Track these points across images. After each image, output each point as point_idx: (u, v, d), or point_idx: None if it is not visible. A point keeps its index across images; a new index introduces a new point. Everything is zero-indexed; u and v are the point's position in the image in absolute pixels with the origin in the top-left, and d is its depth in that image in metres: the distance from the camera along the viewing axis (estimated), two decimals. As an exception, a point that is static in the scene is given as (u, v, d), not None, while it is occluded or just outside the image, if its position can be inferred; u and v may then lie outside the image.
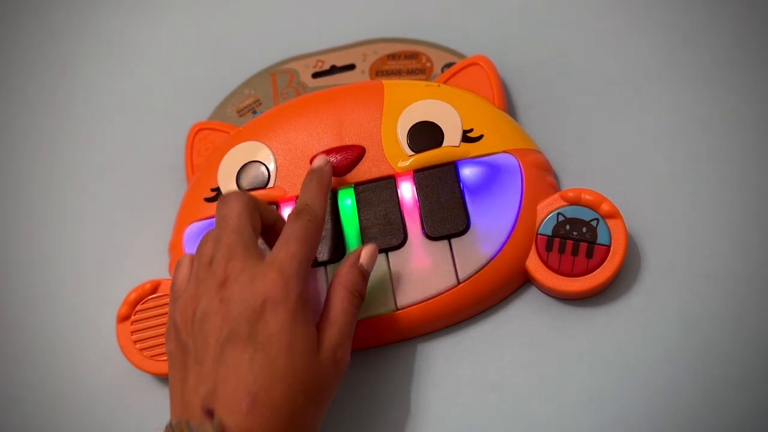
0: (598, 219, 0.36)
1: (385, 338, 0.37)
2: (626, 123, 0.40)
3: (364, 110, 0.39)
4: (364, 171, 0.38)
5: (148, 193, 0.44)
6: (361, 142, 0.39)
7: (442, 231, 0.36)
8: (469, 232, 0.36)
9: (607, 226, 0.35)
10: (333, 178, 0.38)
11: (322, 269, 0.37)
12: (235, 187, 0.39)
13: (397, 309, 0.36)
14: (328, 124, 0.39)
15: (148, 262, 0.41)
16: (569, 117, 0.41)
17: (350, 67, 0.44)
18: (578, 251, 0.35)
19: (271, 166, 0.39)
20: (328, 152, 0.39)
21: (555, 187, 0.38)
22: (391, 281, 0.36)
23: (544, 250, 0.36)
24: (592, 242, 0.35)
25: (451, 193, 0.37)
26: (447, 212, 0.37)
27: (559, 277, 0.35)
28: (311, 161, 0.39)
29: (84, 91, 0.48)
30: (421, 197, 0.37)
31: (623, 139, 0.39)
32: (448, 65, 0.43)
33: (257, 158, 0.40)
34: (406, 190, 0.38)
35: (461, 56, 0.43)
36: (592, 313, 0.36)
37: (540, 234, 0.36)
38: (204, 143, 0.43)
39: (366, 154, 0.38)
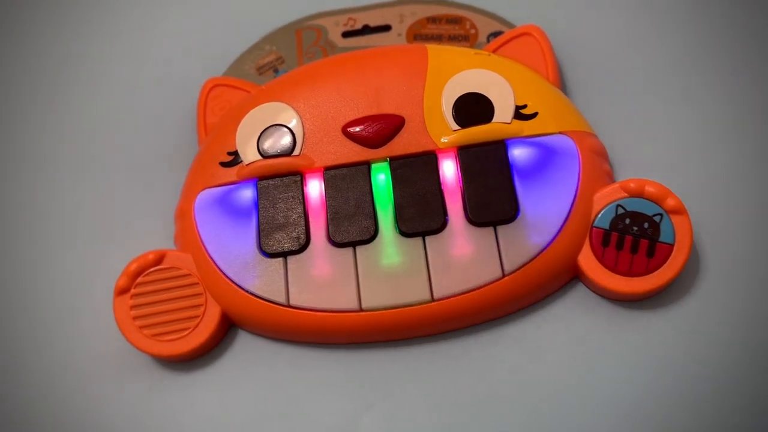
0: (662, 214, 0.32)
1: (416, 331, 0.33)
2: (689, 110, 0.36)
3: (405, 76, 0.35)
4: (402, 144, 0.34)
5: (154, 155, 0.39)
6: (400, 111, 0.35)
7: (488, 216, 0.33)
8: (517, 219, 0.33)
9: (672, 223, 0.32)
10: (367, 149, 0.34)
11: (349, 251, 0.33)
12: (255, 152, 0.35)
13: (433, 300, 0.32)
14: (363, 88, 0.35)
15: (153, 231, 0.37)
16: (624, 99, 0.37)
17: (385, 28, 0.40)
18: (638, 248, 0.32)
19: (298, 132, 0.35)
20: (362, 121, 0.35)
21: (611, 176, 0.35)
22: (428, 269, 0.32)
23: (599, 244, 0.33)
24: (654, 239, 0.32)
25: (499, 175, 0.33)
26: (494, 196, 0.33)
27: (615, 275, 0.32)
28: (344, 129, 0.35)
29: (84, 38, 0.43)
30: (466, 177, 0.33)
31: (685, 128, 0.36)
32: (495, 34, 0.39)
33: (281, 121, 0.35)
34: (449, 169, 0.34)
35: (509, 25, 0.39)
36: (644, 315, 0.33)
37: (596, 227, 0.33)
38: (219, 101, 0.38)
39: (405, 126, 0.34)
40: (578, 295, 0.34)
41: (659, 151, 0.35)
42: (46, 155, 0.40)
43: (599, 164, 0.34)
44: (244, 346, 0.35)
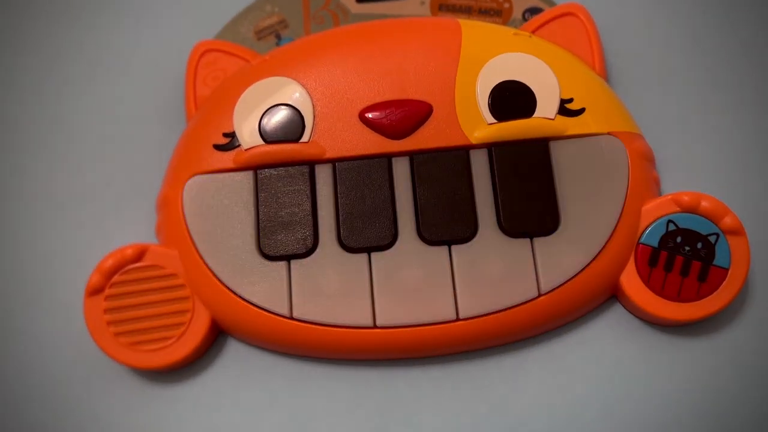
0: (718, 234, 0.29)
1: (438, 350, 0.29)
2: (749, 115, 0.32)
3: (435, 55, 0.30)
4: (428, 136, 0.30)
5: (133, 130, 0.33)
6: (428, 97, 0.30)
7: (525, 226, 0.29)
8: (557, 231, 0.29)
9: (728, 245, 0.29)
10: (387, 140, 0.30)
11: (363, 257, 0.29)
12: (257, 135, 0.30)
13: (459, 319, 0.28)
14: (385, 67, 0.30)
15: (131, 220, 0.32)
16: (672, 96, 0.33)
17: (406, -6, 0.35)
18: (688, 271, 0.29)
19: (307, 114, 0.30)
20: (383, 106, 0.30)
21: (658, 184, 0.31)
22: (454, 284, 0.28)
23: (645, 264, 0.29)
24: (707, 262, 0.29)
25: (539, 179, 0.29)
26: (532, 203, 0.29)
27: (661, 299, 0.29)
28: (361, 114, 0.30)
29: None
30: (501, 180, 0.29)
31: (743, 135, 0.32)
32: (531, 11, 0.34)
33: (288, 101, 0.30)
34: (481, 168, 0.29)
35: (548, 1, 0.35)
36: (687, 343, 0.29)
37: (643, 243, 0.29)
38: (212, 70, 0.33)
39: (432, 115, 0.30)
40: (615, 315, 0.30)
41: (705, 156, 0.32)
42: (10, 125, 0.34)
43: (648, 171, 0.30)
44: (236, 356, 0.30)
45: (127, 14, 0.36)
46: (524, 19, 0.34)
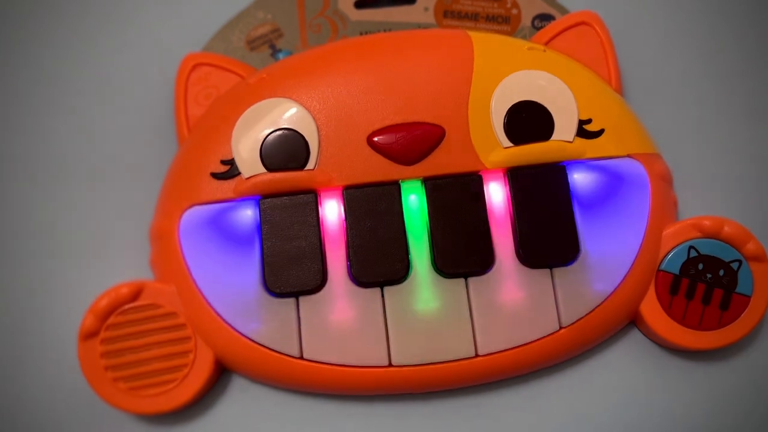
0: (740, 261, 0.28)
1: (456, 386, 0.28)
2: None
3: (446, 74, 0.29)
4: (441, 161, 0.28)
5: (121, 152, 0.31)
6: (440, 119, 0.28)
7: (544, 256, 0.28)
8: (578, 260, 0.28)
9: (751, 272, 0.28)
10: (397, 166, 0.28)
11: (376, 292, 0.27)
12: (258, 163, 0.28)
13: (478, 355, 0.27)
14: (394, 88, 0.28)
15: (123, 251, 0.30)
16: (687, 109, 0.32)
17: (408, -1, 0.33)
18: (710, 299, 0.28)
19: (312, 139, 0.28)
20: (393, 130, 0.28)
21: (677, 205, 0.30)
22: (472, 318, 0.27)
23: (666, 291, 0.28)
24: (730, 290, 0.28)
25: (558, 206, 0.28)
26: (551, 230, 0.28)
27: (683, 328, 0.28)
28: (369, 139, 0.28)
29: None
30: (518, 206, 0.28)
31: (762, 149, 0.31)
32: (541, 18, 0.33)
33: (291, 125, 0.28)
34: (497, 194, 0.28)
35: (559, 8, 0.33)
36: (707, 369, 0.29)
37: (663, 270, 0.28)
38: (203, 86, 0.31)
39: (445, 138, 0.28)
40: (632, 341, 0.30)
41: (729, 176, 0.31)
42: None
43: (668, 193, 0.29)
44: (241, 392, 0.29)
45: (108, 20, 0.33)
46: (534, 27, 0.32)
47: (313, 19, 0.32)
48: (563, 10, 0.32)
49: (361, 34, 0.32)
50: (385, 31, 0.32)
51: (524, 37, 0.32)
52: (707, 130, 0.32)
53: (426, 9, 0.32)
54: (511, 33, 0.32)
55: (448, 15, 0.33)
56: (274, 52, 0.32)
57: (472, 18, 0.32)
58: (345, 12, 0.32)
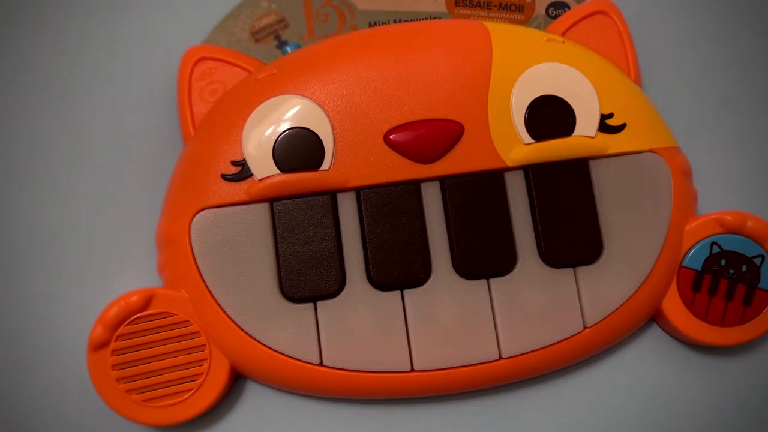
0: (763, 256, 0.28)
1: (480, 387, 0.27)
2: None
3: (464, 68, 0.28)
4: (460, 159, 0.27)
5: (122, 151, 0.30)
6: (459, 115, 0.27)
7: (568, 256, 0.27)
8: (601, 259, 0.27)
9: (773, 266, 0.28)
10: (415, 164, 0.27)
11: (396, 296, 0.27)
12: (271, 164, 0.27)
13: (502, 358, 0.27)
14: (410, 83, 0.27)
15: (133, 259, 0.28)
16: (704, 99, 0.31)
17: (418, -13, 0.32)
18: (733, 295, 0.28)
19: (326, 138, 0.27)
20: (411, 127, 0.27)
21: (696, 198, 0.30)
22: (495, 320, 0.27)
23: (689, 288, 0.28)
24: (753, 285, 0.28)
25: (580, 202, 0.27)
26: (574, 229, 0.27)
27: (706, 325, 0.28)
28: (386, 137, 0.27)
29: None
30: (540, 204, 0.27)
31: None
32: (555, 5, 0.32)
33: (305, 124, 0.27)
34: (518, 192, 0.27)
35: (574, -6, 0.32)
36: (728, 364, 0.29)
37: (685, 267, 0.28)
38: (208, 81, 0.29)
39: (464, 135, 0.27)
40: (653, 337, 0.29)
41: (749, 168, 0.30)
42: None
43: (689, 187, 0.29)
44: (257, 398, 0.28)
45: (102, 13, 0.31)
46: (548, 15, 0.31)
47: (320, 8, 0.31)
48: (578, -2, 0.32)
49: (369, 24, 0.31)
50: (395, 21, 0.31)
51: (539, 26, 0.31)
52: (726, 122, 0.31)
53: (437, -3, 0.31)
54: (525, 22, 0.31)
55: (460, 3, 0.31)
56: (281, 44, 0.31)
57: (485, 6, 0.31)
58: (353, 1, 0.31)
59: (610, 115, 0.28)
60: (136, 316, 0.27)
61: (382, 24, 0.31)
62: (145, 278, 0.28)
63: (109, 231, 0.29)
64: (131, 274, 0.28)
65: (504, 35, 0.28)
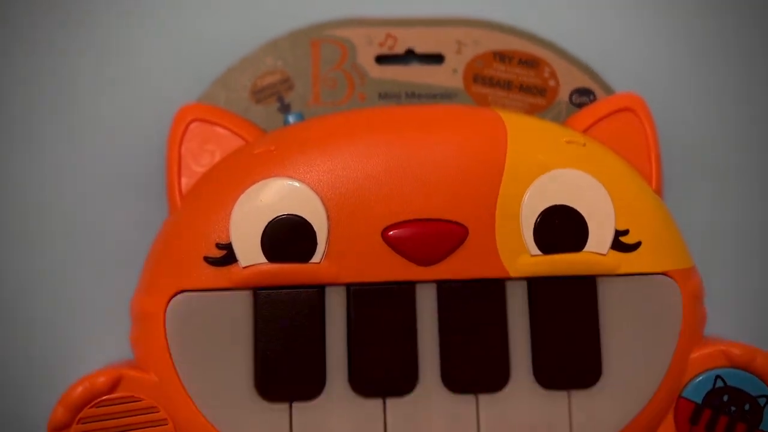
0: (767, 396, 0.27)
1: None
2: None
3: (475, 165, 0.26)
4: (461, 263, 0.25)
5: (102, 203, 0.28)
6: (464, 217, 0.25)
7: (563, 377, 0.25)
8: (599, 383, 0.26)
9: (778, 409, 0.27)
10: (412, 265, 0.25)
11: (378, 404, 0.25)
12: (258, 251, 0.25)
13: (484, 482, 0.25)
14: (416, 176, 0.25)
15: (102, 333, 0.27)
16: (725, 207, 0.30)
17: (436, 58, 0.29)
18: (732, 433, 0.26)
19: (321, 229, 0.25)
20: (413, 226, 0.25)
21: (705, 320, 0.28)
22: (480, 440, 0.25)
23: (686, 421, 0.26)
24: (753, 426, 0.26)
25: (583, 322, 0.26)
26: (573, 349, 0.25)
27: (700, 462, 0.26)
28: (385, 234, 0.25)
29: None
30: (539, 320, 0.25)
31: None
32: (580, 92, 0.30)
33: (299, 211, 0.25)
34: (518, 305, 0.26)
35: (601, 83, 0.30)
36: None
37: (685, 398, 0.26)
38: (200, 146, 0.27)
39: (468, 238, 0.26)
40: (641, 460, 0.28)
41: (764, 292, 0.29)
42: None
43: (699, 312, 0.27)
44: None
45: (98, 53, 0.29)
46: (571, 102, 0.29)
47: (328, 71, 0.29)
48: (605, 86, 0.29)
49: (379, 94, 0.29)
50: (407, 94, 0.29)
51: (560, 114, 0.29)
52: (747, 236, 0.29)
53: (455, 71, 0.29)
54: (546, 107, 0.29)
55: (479, 80, 0.29)
56: (283, 107, 0.29)
57: (505, 86, 0.29)
58: (364, 66, 0.29)
59: (626, 232, 0.26)
60: (101, 398, 0.25)
61: (393, 96, 0.29)
62: (117, 347, 0.27)
63: (82, 294, 0.27)
64: (107, 352, 0.26)
65: (521, 131, 0.26)
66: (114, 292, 0.27)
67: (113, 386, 0.25)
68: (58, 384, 0.25)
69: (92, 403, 0.25)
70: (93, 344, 0.27)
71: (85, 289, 0.27)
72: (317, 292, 0.25)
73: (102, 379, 0.25)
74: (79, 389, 0.25)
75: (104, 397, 0.25)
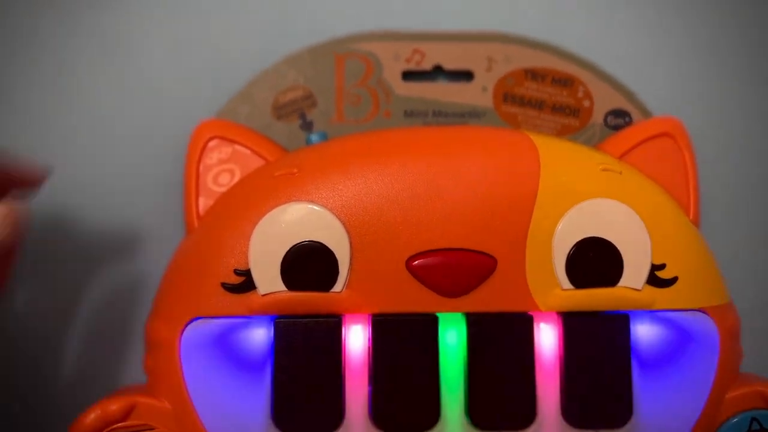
0: (806, 441, 0.25)
1: None
2: None
3: (505, 192, 0.24)
4: (489, 296, 0.24)
5: (120, 236, 0.27)
6: (493, 248, 0.24)
7: (592, 417, 0.24)
8: (630, 424, 0.25)
9: (815, 453, 0.25)
10: (438, 297, 0.24)
11: (401, 442, 0.24)
12: (278, 279, 0.24)
13: None
14: (444, 204, 0.24)
15: (113, 359, 0.26)
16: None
17: (465, 74, 0.28)
18: (766, 477, 0.25)
19: (343, 258, 0.24)
20: (440, 256, 0.24)
21: (741, 358, 0.27)
22: (504, 480, 0.24)
23: (720, 463, 0.25)
24: (789, 471, 0.25)
25: (614, 359, 0.24)
26: (604, 389, 0.24)
27: (731, 507, 0.25)
28: (409, 264, 0.24)
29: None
30: (569, 356, 0.24)
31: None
32: (615, 114, 0.28)
33: (321, 238, 0.24)
34: (547, 340, 0.25)
35: (638, 104, 0.28)
36: None
37: (720, 439, 0.25)
38: (218, 162, 0.26)
39: (496, 270, 0.25)
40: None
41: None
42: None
43: (736, 350, 0.26)
44: None
45: (113, 64, 0.28)
46: (606, 124, 0.28)
47: (352, 87, 0.28)
48: (642, 108, 0.28)
49: (405, 112, 0.28)
50: (434, 112, 0.28)
51: (593, 135, 0.28)
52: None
53: (484, 89, 0.28)
54: (579, 128, 0.28)
55: (509, 99, 0.28)
56: (305, 125, 0.28)
57: (537, 106, 0.28)
58: (390, 83, 0.28)
59: (662, 266, 0.25)
60: (114, 426, 0.25)
61: (420, 114, 0.28)
62: (130, 371, 0.26)
63: (97, 309, 0.27)
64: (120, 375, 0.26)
65: (555, 157, 0.25)
66: (128, 313, 0.26)
67: (126, 414, 0.24)
68: (70, 410, 0.24)
69: (105, 431, 0.24)
70: (105, 367, 0.26)
71: (99, 311, 0.27)
72: (337, 321, 0.24)
73: (115, 407, 0.24)
74: (92, 416, 0.24)
75: (117, 425, 0.24)
